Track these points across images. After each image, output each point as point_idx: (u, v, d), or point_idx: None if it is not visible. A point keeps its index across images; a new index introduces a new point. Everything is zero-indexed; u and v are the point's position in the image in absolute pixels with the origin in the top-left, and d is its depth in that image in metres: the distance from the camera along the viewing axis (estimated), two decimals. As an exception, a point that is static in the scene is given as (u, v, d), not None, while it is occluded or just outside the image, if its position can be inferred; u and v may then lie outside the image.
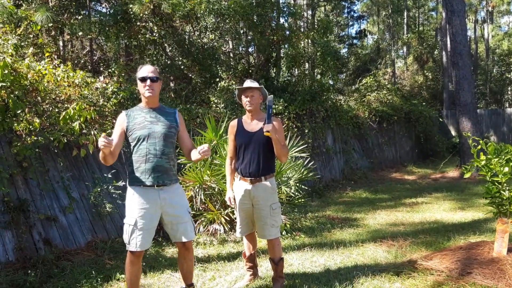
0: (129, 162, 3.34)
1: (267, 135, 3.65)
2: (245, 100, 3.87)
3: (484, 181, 4.45)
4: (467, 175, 4.48)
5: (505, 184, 4.25)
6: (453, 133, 18.61)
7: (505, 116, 18.44)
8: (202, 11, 10.52)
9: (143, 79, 3.28)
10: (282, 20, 13.09)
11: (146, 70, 3.31)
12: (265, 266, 4.62)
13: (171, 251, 5.38)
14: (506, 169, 4.19)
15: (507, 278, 3.87)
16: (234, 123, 4.02)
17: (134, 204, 3.25)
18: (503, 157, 4.25)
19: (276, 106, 9.50)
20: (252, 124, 3.91)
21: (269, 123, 3.68)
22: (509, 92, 30.04)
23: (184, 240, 3.41)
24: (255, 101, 3.85)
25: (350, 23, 31.95)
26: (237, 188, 3.98)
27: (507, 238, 4.26)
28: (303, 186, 7.12)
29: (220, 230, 5.92)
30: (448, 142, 17.51)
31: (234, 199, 4.00)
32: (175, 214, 3.37)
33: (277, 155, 3.82)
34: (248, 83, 3.88)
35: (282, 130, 3.89)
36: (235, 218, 5.97)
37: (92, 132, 5.58)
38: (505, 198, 4.24)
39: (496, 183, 4.30)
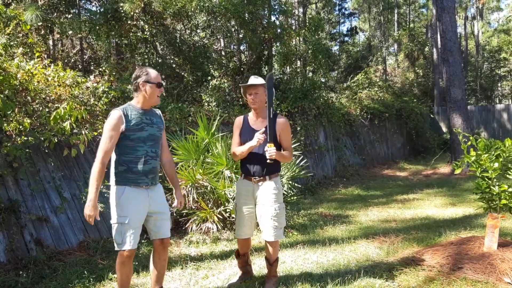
0: (121, 161, 3.28)
1: (270, 162, 3.67)
2: (249, 98, 3.81)
3: (474, 177, 4.50)
4: (457, 171, 4.53)
5: (495, 180, 4.30)
6: (444, 129, 18.73)
7: (495, 112, 18.59)
8: (193, 9, 10.48)
9: (160, 85, 3.38)
10: (273, 18, 13.08)
11: (158, 76, 3.39)
12: (258, 264, 4.63)
13: (164, 250, 5.36)
14: (496, 164, 4.24)
15: (497, 273, 3.92)
16: (240, 119, 3.98)
17: (125, 203, 3.23)
18: (493, 153, 4.30)
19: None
20: (257, 122, 3.85)
21: (271, 133, 3.65)
22: (499, 89, 30.30)
23: (164, 236, 3.43)
24: (259, 99, 3.77)
25: (341, 20, 32.03)
26: (240, 187, 3.93)
27: (497, 233, 4.31)
28: (295, 184, 7.14)
29: (213, 229, 5.91)
30: (439, 139, 17.63)
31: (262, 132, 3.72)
32: (161, 210, 3.42)
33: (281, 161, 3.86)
34: (252, 79, 3.80)
35: (289, 129, 3.84)
36: (228, 217, 6.00)
37: (83, 132, 5.54)
38: (495, 193, 4.28)
39: (486, 179, 4.34)
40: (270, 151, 3.61)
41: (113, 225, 3.27)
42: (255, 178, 3.81)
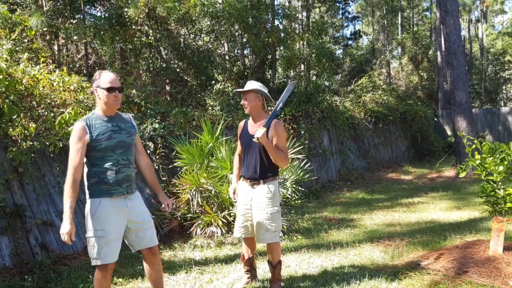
0: (92, 173, 3.14)
1: (255, 141, 3.66)
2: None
3: (479, 180, 4.48)
4: (462, 175, 4.51)
5: (499, 183, 4.28)
6: (449, 132, 18.68)
7: (500, 115, 18.50)
8: (197, 14, 10.54)
9: (112, 89, 3.11)
10: (277, 22, 13.14)
11: (112, 79, 3.14)
12: (262, 268, 4.63)
13: (168, 255, 5.37)
14: (501, 168, 4.22)
15: (503, 277, 3.90)
16: (241, 123, 4.06)
17: (102, 215, 3.08)
18: (498, 156, 4.28)
19: (272, 108, 9.51)
20: (255, 126, 3.88)
21: (268, 123, 3.70)
22: (504, 91, 30.19)
23: (151, 245, 3.30)
24: (250, 104, 3.83)
25: (345, 24, 32.00)
26: (239, 188, 4.03)
27: (503, 237, 4.29)
28: (299, 188, 7.12)
29: (217, 233, 5.92)
30: (444, 142, 17.58)
31: (235, 192, 4.07)
32: (142, 220, 3.26)
33: (273, 160, 3.76)
34: (247, 85, 3.87)
35: (283, 132, 3.81)
36: (233, 221, 5.99)
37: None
38: (500, 196, 4.27)
39: (491, 182, 4.33)
40: (259, 131, 3.63)
41: (88, 239, 3.10)
42: (250, 181, 3.87)
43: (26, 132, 4.98)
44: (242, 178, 3.99)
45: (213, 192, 6.11)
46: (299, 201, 6.86)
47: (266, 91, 3.89)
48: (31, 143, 4.97)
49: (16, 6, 9.60)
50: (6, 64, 5.20)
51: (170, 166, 6.76)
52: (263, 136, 3.60)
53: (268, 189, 3.81)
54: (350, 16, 31.54)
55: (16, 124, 4.97)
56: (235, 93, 10.38)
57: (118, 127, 3.21)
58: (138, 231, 3.25)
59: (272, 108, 4.04)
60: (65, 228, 2.95)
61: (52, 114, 5.48)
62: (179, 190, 6.21)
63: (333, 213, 7.82)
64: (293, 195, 6.69)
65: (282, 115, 9.94)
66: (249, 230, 4.00)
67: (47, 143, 5.20)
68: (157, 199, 6.32)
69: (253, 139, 3.65)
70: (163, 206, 3.52)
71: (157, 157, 6.59)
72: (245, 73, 11.60)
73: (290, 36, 12.04)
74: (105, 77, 3.14)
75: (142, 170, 3.48)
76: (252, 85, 3.84)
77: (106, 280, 3.18)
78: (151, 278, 3.45)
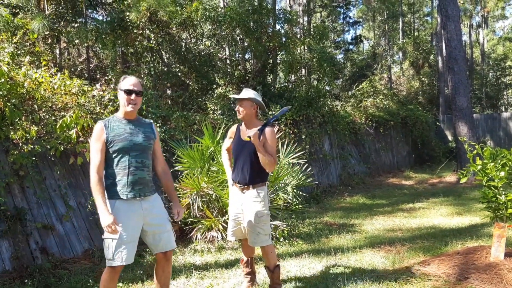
0: (108, 174, 3.21)
1: (246, 139, 3.74)
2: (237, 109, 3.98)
3: (480, 185, 4.47)
4: (463, 180, 4.50)
5: (501, 189, 4.27)
6: (450, 137, 18.66)
7: (501, 120, 18.49)
8: (198, 18, 10.56)
9: (129, 92, 3.21)
10: (278, 27, 13.15)
11: (131, 82, 3.24)
12: (263, 273, 4.61)
13: (168, 259, 5.36)
14: (502, 173, 4.22)
15: (504, 283, 3.89)
16: (233, 128, 4.13)
17: (116, 217, 3.09)
18: (499, 161, 4.28)
19: (273, 112, 9.52)
20: (246, 133, 3.93)
21: (261, 128, 3.77)
22: (505, 97, 30.19)
23: (166, 249, 3.31)
24: (245, 111, 3.89)
25: (346, 29, 32.10)
26: (231, 192, 4.09)
27: (504, 243, 4.28)
28: (300, 192, 7.11)
29: (217, 237, 5.90)
30: (445, 147, 17.56)
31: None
32: (158, 223, 3.29)
33: (261, 162, 3.77)
34: (242, 92, 3.94)
35: (274, 139, 3.84)
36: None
37: (89, 140, 5.57)
38: (501, 202, 4.26)
39: (492, 188, 4.32)
40: (252, 130, 3.73)
41: (104, 240, 3.15)
42: (240, 186, 3.93)
43: (27, 135, 4.99)
44: (232, 183, 4.05)
45: (213, 197, 6.10)
46: (300, 206, 6.85)
47: (260, 99, 3.96)
48: (32, 146, 4.98)
49: (18, 10, 9.63)
50: (7, 67, 5.22)
51: (171, 170, 6.74)
52: (255, 135, 3.67)
53: (257, 193, 3.88)
54: (351, 21, 31.66)
55: (18, 127, 4.97)
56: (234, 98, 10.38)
57: (136, 130, 3.29)
58: (154, 233, 3.29)
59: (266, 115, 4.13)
60: (106, 220, 3.00)
61: (53, 118, 5.49)
62: (179, 194, 6.20)
63: (333, 218, 7.80)
64: (294, 199, 6.68)
65: (283, 119, 9.94)
66: (242, 233, 4.08)
67: (48, 147, 5.20)
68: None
69: (246, 136, 3.73)
70: (174, 214, 3.52)
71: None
72: (246, 78, 11.59)
73: (292, 41, 12.05)
74: (124, 80, 3.27)
75: (159, 176, 3.55)
76: (248, 93, 3.91)
77: (113, 282, 3.22)
78: (158, 285, 3.44)
